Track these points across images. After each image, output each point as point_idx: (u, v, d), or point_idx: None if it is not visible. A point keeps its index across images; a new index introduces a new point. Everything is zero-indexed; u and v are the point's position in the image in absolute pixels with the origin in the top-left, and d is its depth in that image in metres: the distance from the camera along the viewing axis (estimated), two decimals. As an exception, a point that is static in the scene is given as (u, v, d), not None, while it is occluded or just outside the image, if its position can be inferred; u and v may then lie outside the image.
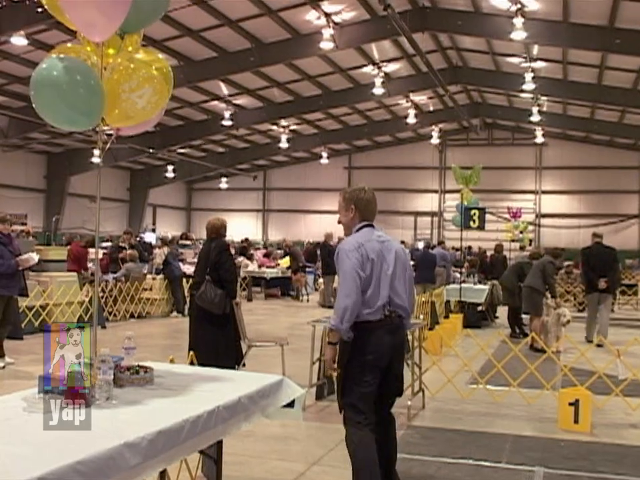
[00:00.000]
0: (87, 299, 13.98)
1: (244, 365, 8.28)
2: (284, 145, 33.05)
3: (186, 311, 14.88)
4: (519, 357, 8.43)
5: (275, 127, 32.11)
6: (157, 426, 3.03)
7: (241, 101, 27.66)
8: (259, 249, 28.26)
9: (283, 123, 31.26)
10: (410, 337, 8.48)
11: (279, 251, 26.74)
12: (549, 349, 9.02)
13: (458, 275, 18.08)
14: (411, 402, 7.38)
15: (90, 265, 15.67)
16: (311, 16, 19.95)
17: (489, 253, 21.90)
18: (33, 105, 3.71)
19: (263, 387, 3.97)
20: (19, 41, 17.89)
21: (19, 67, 20.88)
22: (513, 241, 26.57)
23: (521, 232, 28.74)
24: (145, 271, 17.44)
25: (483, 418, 7.53)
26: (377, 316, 4.63)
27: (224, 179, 40.60)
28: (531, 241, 31.51)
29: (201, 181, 42.04)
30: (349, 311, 4.51)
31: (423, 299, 13.54)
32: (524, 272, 13.69)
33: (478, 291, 16.04)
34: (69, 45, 4.01)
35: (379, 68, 24.46)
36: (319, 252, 24.44)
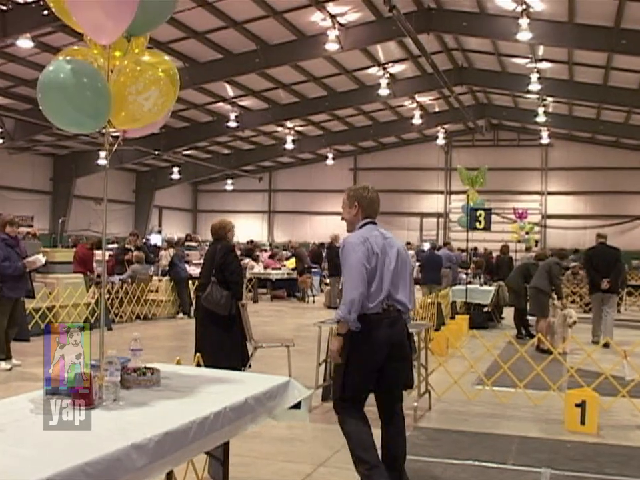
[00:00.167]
0: (93, 301, 14.01)
1: (250, 366, 8.29)
2: (289, 146, 33.04)
3: (192, 313, 14.90)
4: (525, 358, 8.42)
5: (280, 129, 32.11)
6: (163, 427, 3.05)
7: (246, 102, 27.68)
8: (264, 250, 28.26)
9: (289, 124, 31.27)
10: (416, 338, 8.48)
11: (284, 252, 26.75)
12: (555, 350, 9.00)
13: (464, 276, 18.06)
14: (417, 403, 7.38)
15: (95, 265, 15.68)
16: (316, 17, 19.96)
17: (494, 254, 21.88)
18: (40, 108, 3.72)
19: (270, 388, 3.98)
20: (24, 43, 17.92)
21: (25, 70, 20.94)
22: (518, 241, 26.55)
23: (527, 233, 28.72)
24: (151, 273, 17.46)
25: (489, 419, 7.53)
26: (376, 309, 4.78)
27: (229, 181, 40.62)
28: (536, 241, 31.49)
29: (206, 183, 42.07)
30: (356, 301, 4.64)
31: (429, 300, 13.54)
32: (530, 273, 13.67)
33: (484, 292, 16.02)
34: (75, 47, 4.02)
35: (385, 69, 24.46)
36: (324, 253, 24.45)
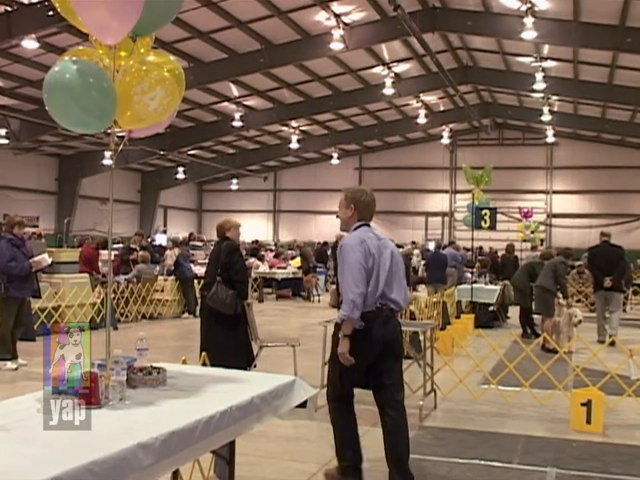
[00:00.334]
0: (98, 301, 14.04)
1: (255, 365, 8.29)
2: (294, 145, 33.03)
3: (197, 312, 14.93)
4: (530, 358, 8.40)
5: (285, 128, 32.12)
6: (169, 426, 3.05)
7: (251, 102, 27.70)
8: (270, 250, 28.26)
9: (293, 123, 31.28)
10: (421, 337, 8.48)
11: (289, 252, 26.76)
12: (560, 349, 8.99)
13: (469, 275, 18.05)
14: (422, 402, 7.39)
15: (100, 265, 15.71)
16: (321, 17, 19.95)
17: (500, 253, 21.86)
18: (46, 108, 3.73)
19: (275, 387, 3.98)
20: (30, 44, 17.94)
21: (30, 70, 20.96)
22: (524, 241, 26.51)
23: (532, 232, 28.67)
24: (156, 272, 17.48)
25: (495, 418, 7.52)
26: (371, 308, 4.95)
27: (234, 180, 40.65)
28: (542, 240, 31.43)
29: (211, 182, 42.10)
30: (358, 300, 4.81)
31: (434, 299, 13.53)
32: (535, 272, 13.67)
33: (489, 291, 16.00)
34: (81, 47, 4.03)
35: (389, 68, 24.45)
36: (329, 252, 24.44)
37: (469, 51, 24.60)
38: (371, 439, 5.96)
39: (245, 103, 27.54)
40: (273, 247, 31.69)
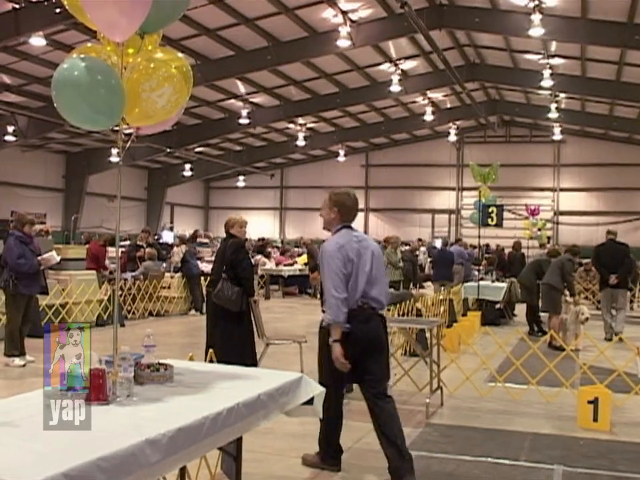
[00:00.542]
0: (105, 298, 14.07)
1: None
2: (301, 143, 33.04)
3: (204, 309, 14.95)
4: (537, 355, 8.40)
5: (292, 125, 32.12)
6: (177, 423, 3.06)
7: (258, 99, 27.70)
8: (276, 247, 28.26)
9: (300, 121, 31.27)
10: (428, 335, 8.48)
11: (296, 249, 26.75)
12: (567, 346, 8.97)
13: (476, 273, 18.04)
14: (429, 400, 7.39)
15: (107, 262, 15.75)
16: (328, 14, 19.95)
17: (506, 251, 21.82)
18: (55, 105, 3.73)
19: (282, 384, 3.98)
20: (37, 41, 17.98)
21: (38, 68, 21.02)
22: (530, 238, 26.46)
23: (539, 229, 28.60)
24: (163, 270, 17.51)
25: (502, 416, 7.52)
26: (352, 307, 5.18)
27: (241, 177, 40.64)
28: (549, 238, 31.36)
29: (218, 180, 42.13)
30: (340, 305, 5.07)
31: (441, 297, 13.52)
32: (542, 270, 13.65)
33: (496, 288, 15.98)
34: (89, 45, 4.04)
35: (396, 65, 24.42)
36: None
37: (476, 48, 24.55)
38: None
39: (251, 100, 27.55)
40: (280, 244, 31.70)
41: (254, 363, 8.12)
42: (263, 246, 25.03)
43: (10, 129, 25.50)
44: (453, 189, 38.21)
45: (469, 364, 9.10)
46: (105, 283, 14.69)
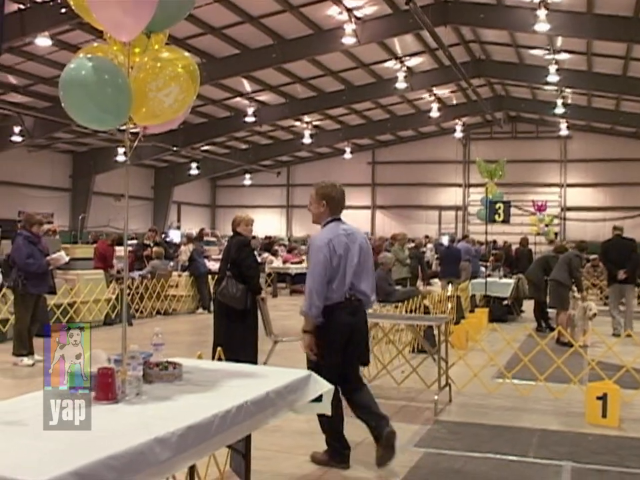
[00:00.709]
0: (113, 297, 14.11)
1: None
2: (307, 140, 33.06)
3: (211, 307, 14.96)
4: (545, 351, 8.38)
5: (298, 123, 32.13)
6: (186, 421, 3.06)
7: (264, 97, 27.72)
8: (283, 245, 28.26)
9: (306, 118, 31.28)
10: (436, 332, 8.48)
11: (303, 247, 26.76)
12: (575, 342, 8.96)
13: (483, 269, 18.02)
14: (437, 397, 7.39)
15: (115, 262, 15.78)
16: (333, 11, 19.94)
17: (514, 247, 21.78)
18: (62, 105, 3.74)
19: (291, 382, 3.99)
20: (43, 41, 18.03)
21: (44, 68, 21.07)
22: (538, 234, 26.41)
23: (546, 225, 28.55)
24: (171, 268, 17.53)
25: (510, 412, 7.51)
26: (339, 299, 5.32)
27: (247, 176, 40.68)
28: (556, 234, 31.30)
29: (224, 178, 42.16)
30: (315, 299, 5.22)
31: (448, 294, 13.51)
32: (550, 265, 13.63)
33: (503, 285, 15.95)
34: (95, 44, 4.05)
35: (402, 62, 24.41)
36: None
37: (482, 44, 24.52)
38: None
39: (257, 98, 27.57)
40: (287, 242, 31.70)
41: (251, 362, 8.11)
42: (270, 244, 25.05)
43: (16, 129, 25.60)
44: (460, 185, 38.19)
45: (476, 360, 9.10)
46: (112, 282, 14.73)
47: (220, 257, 12.01)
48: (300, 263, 22.78)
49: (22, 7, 16.82)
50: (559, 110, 28.45)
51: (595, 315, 11.77)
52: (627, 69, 22.85)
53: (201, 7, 17.74)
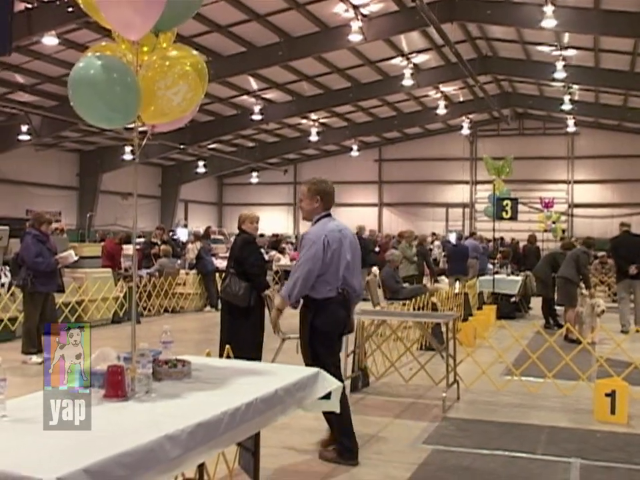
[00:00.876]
0: (121, 295, 14.14)
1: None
2: (314, 138, 33.06)
3: (219, 305, 14.99)
4: (553, 348, 8.36)
5: (304, 121, 32.12)
6: (196, 418, 3.07)
7: (271, 95, 27.72)
8: (291, 243, 28.27)
9: (313, 116, 31.27)
10: (444, 329, 8.47)
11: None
12: (583, 339, 8.94)
13: (491, 266, 18.00)
14: (445, 394, 7.38)
15: (122, 260, 15.82)
16: (339, 9, 19.93)
17: (521, 244, 21.74)
18: (71, 104, 3.75)
19: (300, 379, 4.00)
20: (50, 40, 18.07)
21: (51, 67, 21.11)
22: (545, 231, 26.37)
23: (554, 222, 28.50)
24: (178, 266, 17.57)
25: (518, 409, 7.51)
26: (333, 293, 5.45)
27: (254, 174, 40.69)
28: (563, 231, 31.24)
29: (231, 176, 42.19)
30: (299, 286, 5.37)
31: (456, 291, 13.50)
32: (557, 262, 13.61)
33: (511, 282, 15.94)
34: (104, 43, 4.06)
35: (408, 59, 24.37)
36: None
37: (488, 40, 24.47)
38: (395, 430, 5.97)
39: (264, 96, 27.56)
40: (294, 240, 31.71)
41: (255, 360, 8.11)
42: (277, 242, 25.06)
43: (24, 128, 25.63)
44: (467, 182, 38.14)
45: (484, 358, 9.10)
46: (120, 280, 14.76)
47: (227, 254, 12.04)
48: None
49: (29, 6, 16.85)
50: (566, 106, 28.39)
51: (603, 311, 11.74)
52: (635, 64, 22.78)
53: (207, 5, 17.74)
